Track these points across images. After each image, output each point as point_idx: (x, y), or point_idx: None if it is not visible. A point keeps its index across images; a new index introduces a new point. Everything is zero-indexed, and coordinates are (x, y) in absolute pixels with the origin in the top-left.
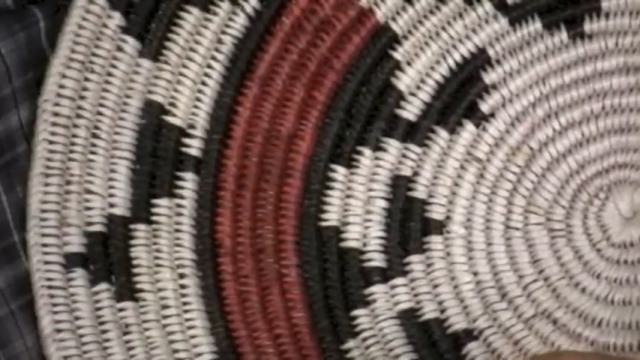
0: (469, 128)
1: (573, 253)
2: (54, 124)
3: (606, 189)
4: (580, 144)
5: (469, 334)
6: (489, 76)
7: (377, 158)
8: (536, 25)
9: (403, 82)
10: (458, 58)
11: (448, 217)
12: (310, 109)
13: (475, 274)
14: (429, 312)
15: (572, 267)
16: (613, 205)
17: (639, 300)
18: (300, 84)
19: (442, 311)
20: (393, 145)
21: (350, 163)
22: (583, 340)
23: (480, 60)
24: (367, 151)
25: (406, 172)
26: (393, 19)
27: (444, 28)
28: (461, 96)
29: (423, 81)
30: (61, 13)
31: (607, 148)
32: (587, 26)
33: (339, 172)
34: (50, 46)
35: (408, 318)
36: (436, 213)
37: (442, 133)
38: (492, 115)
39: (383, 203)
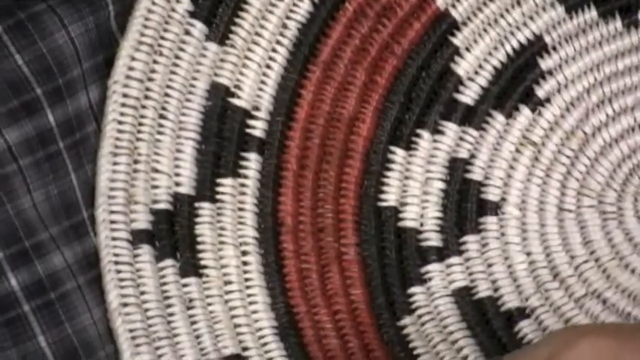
0: (525, 113)
1: (624, 235)
2: (123, 104)
3: None
4: (632, 129)
5: (521, 313)
6: (546, 63)
7: (435, 141)
8: (592, 14)
9: (462, 67)
10: (515, 44)
11: (503, 199)
12: (371, 93)
13: (528, 254)
14: (483, 290)
15: (623, 248)
16: None
17: None
18: (362, 68)
19: (495, 290)
20: (450, 129)
21: (409, 146)
22: (632, 319)
23: (536, 47)
24: (426, 134)
25: (463, 154)
26: (453, 5)
27: (502, 15)
28: (517, 81)
29: (481, 66)
30: None
31: None
32: None
33: (398, 154)
34: (119, 29)
35: (463, 296)
36: (492, 194)
37: (499, 117)
38: (548, 100)
39: (440, 185)
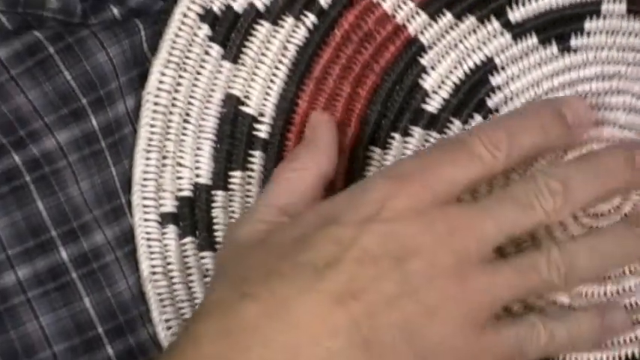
0: (478, 119)
1: None
2: (154, 111)
3: None
4: None
5: None
6: (495, 79)
7: (405, 142)
8: (533, 40)
9: (428, 83)
10: (471, 64)
11: None
12: (355, 103)
13: None
14: None
15: None
16: None
17: None
18: (347, 83)
19: None
20: (418, 132)
21: (384, 146)
22: None
23: (488, 66)
24: (398, 137)
25: None
26: (422, 32)
27: (460, 41)
28: (472, 95)
29: (443, 82)
30: (160, 25)
31: (585, 137)
32: (573, 42)
33: (376, 152)
34: (150, 50)
35: None
36: None
37: (457, 123)
38: (496, 110)
39: None
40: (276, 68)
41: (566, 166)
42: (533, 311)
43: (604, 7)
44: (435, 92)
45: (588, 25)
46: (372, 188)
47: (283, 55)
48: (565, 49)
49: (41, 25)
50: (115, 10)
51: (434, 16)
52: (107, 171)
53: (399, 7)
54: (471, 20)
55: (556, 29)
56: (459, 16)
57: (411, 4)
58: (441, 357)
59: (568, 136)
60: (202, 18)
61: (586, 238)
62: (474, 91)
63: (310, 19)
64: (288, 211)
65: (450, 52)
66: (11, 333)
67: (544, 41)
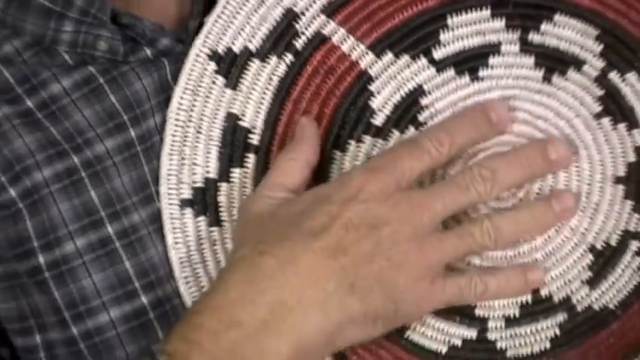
0: (412, 130)
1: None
2: (175, 125)
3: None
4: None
5: None
6: (424, 101)
7: (358, 147)
8: (451, 72)
9: (375, 103)
10: (406, 90)
11: None
12: (322, 119)
13: None
14: None
15: None
16: None
17: None
18: (316, 104)
19: None
20: (368, 140)
21: (343, 149)
22: None
23: (419, 91)
24: (353, 142)
25: (373, 154)
26: (370, 67)
27: (398, 73)
28: (407, 112)
29: (386, 103)
30: (180, 62)
31: (491, 142)
32: (480, 73)
33: (337, 155)
34: (172, 80)
35: None
36: None
37: (396, 133)
38: (425, 122)
39: None
40: (264, 93)
41: (495, 158)
42: (474, 268)
43: (503, 48)
44: (380, 110)
45: (492, 60)
46: (353, 177)
47: (269, 84)
48: (475, 78)
49: (94, 62)
50: (148, 52)
51: (379, 55)
52: (141, 168)
53: (354, 49)
54: (405, 58)
55: (468, 64)
56: (396, 55)
57: (362, 47)
58: (404, 299)
59: (494, 131)
60: (210, 57)
61: (509, 212)
62: (408, 109)
63: (289, 57)
64: (289, 189)
65: (390, 81)
66: (71, 287)
67: (459, 73)
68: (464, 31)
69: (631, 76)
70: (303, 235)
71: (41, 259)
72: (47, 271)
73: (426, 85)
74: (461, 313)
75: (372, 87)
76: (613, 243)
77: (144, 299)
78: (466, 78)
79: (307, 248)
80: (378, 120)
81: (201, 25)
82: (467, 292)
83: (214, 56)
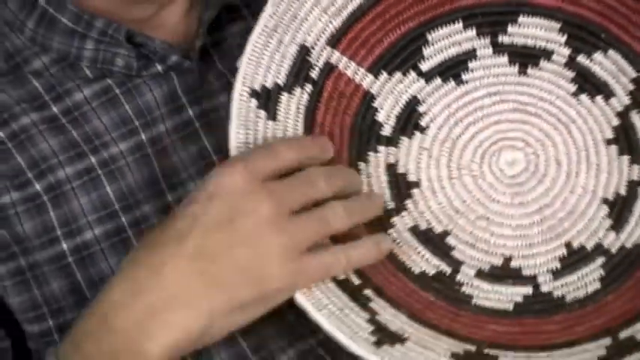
0: (418, 134)
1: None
2: (237, 149)
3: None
4: (476, 134)
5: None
6: (421, 108)
7: (376, 156)
8: (438, 81)
9: (380, 117)
10: (404, 101)
11: (418, 181)
12: (343, 137)
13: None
14: None
15: None
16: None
17: None
18: (336, 125)
19: None
20: (382, 149)
21: (365, 160)
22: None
23: (415, 101)
24: (371, 153)
25: (390, 160)
26: (371, 86)
27: (394, 88)
28: (409, 120)
29: (389, 115)
30: (187, 76)
31: (490, 133)
32: (464, 77)
33: (362, 166)
34: (181, 91)
35: None
36: (412, 175)
37: (405, 139)
38: (428, 126)
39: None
40: (297, 121)
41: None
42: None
43: (478, 53)
44: (385, 122)
45: (471, 65)
46: (211, 175)
47: (299, 112)
48: (459, 82)
49: (111, 75)
50: (159, 67)
51: (376, 75)
52: (152, 166)
53: (356, 73)
54: (398, 74)
55: (451, 71)
56: (390, 73)
57: (362, 70)
58: (270, 281)
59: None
60: (250, 95)
61: (351, 200)
62: (409, 118)
63: (308, 87)
64: None
65: (389, 96)
66: (90, 271)
67: (445, 79)
68: (442, 44)
69: (597, 55)
70: (171, 239)
71: (64, 245)
72: (70, 256)
73: (420, 94)
74: (511, 276)
75: (376, 104)
76: (623, 192)
77: None
78: (452, 83)
79: (173, 253)
80: (386, 131)
81: (205, 45)
82: (333, 266)
83: (254, 94)
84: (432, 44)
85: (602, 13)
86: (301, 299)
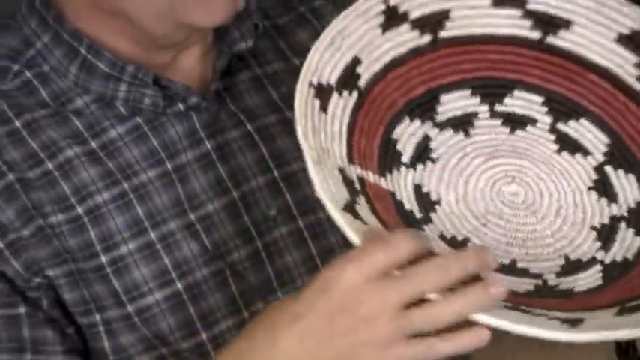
0: (429, 164)
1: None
2: (304, 129)
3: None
4: (479, 167)
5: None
6: (433, 144)
7: (399, 173)
8: (450, 131)
9: (399, 146)
10: (420, 136)
11: (439, 199)
12: (373, 144)
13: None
14: None
15: None
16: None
17: None
18: (372, 129)
19: None
20: (403, 169)
21: (391, 173)
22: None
23: (428, 139)
24: (395, 171)
25: (416, 180)
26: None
27: (412, 128)
28: (424, 152)
29: (405, 147)
30: (206, 114)
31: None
32: (469, 129)
33: (387, 176)
34: (200, 128)
35: None
36: (434, 194)
37: (420, 165)
38: (439, 158)
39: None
40: (342, 117)
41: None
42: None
43: (480, 115)
44: (403, 153)
45: (475, 122)
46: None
47: (343, 111)
48: (467, 134)
49: (140, 113)
50: (181, 106)
51: (401, 119)
52: (176, 190)
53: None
54: (418, 121)
55: (459, 125)
56: (411, 119)
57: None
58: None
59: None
60: (309, 85)
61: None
62: (424, 151)
63: (354, 94)
64: None
65: (404, 134)
66: (126, 278)
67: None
68: (453, 105)
69: (572, 122)
70: (287, 317)
71: (103, 258)
72: (108, 267)
73: (432, 135)
74: (518, 273)
75: (395, 135)
76: (606, 222)
77: (178, 285)
78: (460, 135)
79: (287, 330)
80: (405, 158)
81: (218, 89)
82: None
83: (311, 85)
84: (446, 104)
85: (576, 91)
86: None
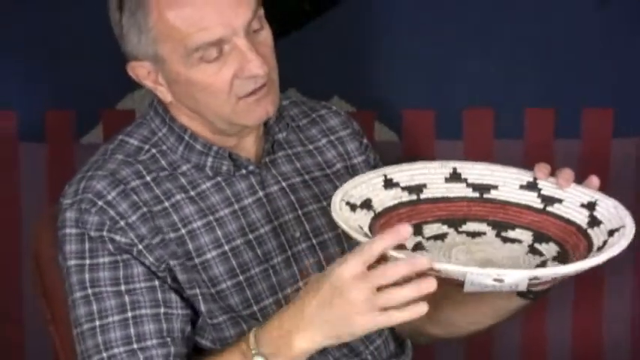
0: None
1: None
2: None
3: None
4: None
5: None
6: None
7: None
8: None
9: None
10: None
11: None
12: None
13: None
14: None
15: None
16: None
17: None
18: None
19: None
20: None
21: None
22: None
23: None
24: (431, 242)
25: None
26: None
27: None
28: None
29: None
30: (255, 177)
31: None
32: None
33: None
34: (256, 184)
35: None
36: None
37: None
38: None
39: None
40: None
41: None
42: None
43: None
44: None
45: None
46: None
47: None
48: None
49: (220, 175)
50: (244, 171)
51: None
52: (248, 218)
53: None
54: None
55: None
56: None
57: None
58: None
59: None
60: (341, 199)
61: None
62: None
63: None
64: None
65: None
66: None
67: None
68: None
69: (510, 231)
70: (311, 293)
71: (196, 260)
72: (199, 265)
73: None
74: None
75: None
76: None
77: (241, 277)
78: (439, 241)
79: (310, 302)
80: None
81: (266, 161)
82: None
83: (343, 201)
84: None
85: (506, 215)
86: None
